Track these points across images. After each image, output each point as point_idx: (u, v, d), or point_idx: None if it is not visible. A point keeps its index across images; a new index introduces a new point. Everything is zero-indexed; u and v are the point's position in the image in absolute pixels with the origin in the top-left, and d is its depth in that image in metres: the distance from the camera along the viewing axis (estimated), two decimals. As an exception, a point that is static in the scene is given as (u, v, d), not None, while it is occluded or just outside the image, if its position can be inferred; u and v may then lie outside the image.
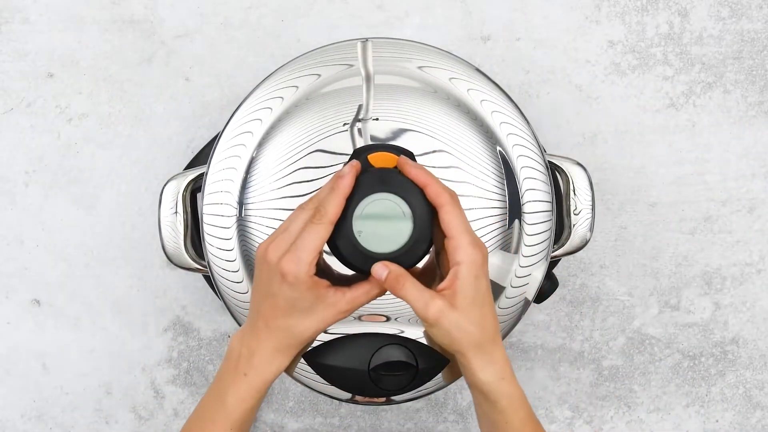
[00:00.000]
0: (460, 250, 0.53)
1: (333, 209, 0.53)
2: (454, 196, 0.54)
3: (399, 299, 0.59)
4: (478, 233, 0.64)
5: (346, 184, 0.53)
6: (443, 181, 0.55)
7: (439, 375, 0.67)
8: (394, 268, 0.54)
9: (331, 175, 0.61)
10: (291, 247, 0.53)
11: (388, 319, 0.66)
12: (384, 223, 0.54)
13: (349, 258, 0.54)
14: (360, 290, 0.55)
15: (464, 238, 0.53)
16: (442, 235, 0.55)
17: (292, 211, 0.55)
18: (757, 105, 0.86)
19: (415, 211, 0.54)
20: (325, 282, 0.54)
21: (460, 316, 0.53)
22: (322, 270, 0.58)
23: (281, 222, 0.63)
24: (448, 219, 0.53)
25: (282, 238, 0.53)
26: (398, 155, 0.57)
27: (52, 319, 0.86)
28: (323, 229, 0.52)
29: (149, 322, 0.87)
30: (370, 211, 0.54)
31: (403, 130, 0.65)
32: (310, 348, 0.65)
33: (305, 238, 0.52)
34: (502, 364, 0.56)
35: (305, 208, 0.54)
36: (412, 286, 0.53)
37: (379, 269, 0.54)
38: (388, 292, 0.55)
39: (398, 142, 0.65)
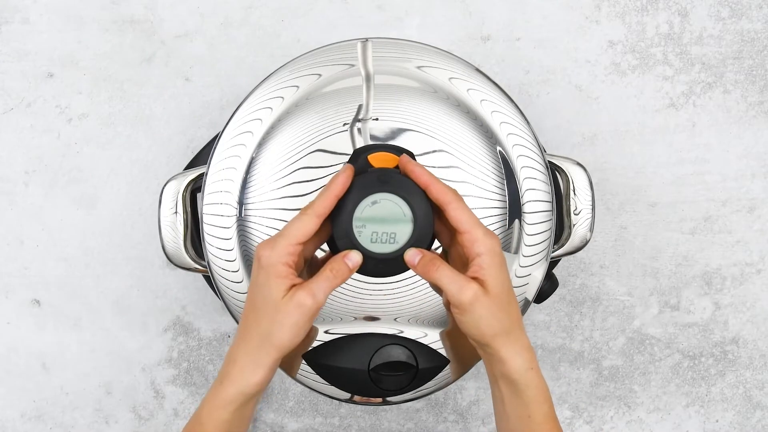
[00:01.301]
0: (477, 242, 0.52)
1: (321, 203, 0.53)
2: (457, 193, 0.54)
3: (399, 300, 0.59)
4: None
5: (339, 183, 0.53)
6: (445, 182, 0.55)
7: (439, 375, 0.67)
8: (428, 252, 0.54)
9: (331, 176, 0.62)
10: (272, 238, 0.53)
11: (387, 319, 0.66)
12: (384, 223, 0.54)
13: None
14: (321, 278, 0.53)
15: (478, 230, 0.53)
16: (449, 233, 0.55)
17: (291, 211, 0.55)
18: (757, 105, 0.86)
19: (415, 211, 0.54)
20: (297, 279, 0.53)
21: (492, 302, 0.53)
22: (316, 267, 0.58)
23: (281, 222, 0.63)
24: (457, 215, 0.53)
25: (274, 236, 0.53)
26: (398, 155, 0.57)
27: (52, 319, 0.86)
28: (307, 220, 0.52)
29: (149, 322, 0.87)
30: (371, 211, 0.54)
31: (402, 130, 0.65)
32: (309, 348, 0.65)
33: (288, 226, 0.52)
34: (530, 353, 0.55)
35: (302, 211, 0.54)
36: (446, 270, 0.53)
37: (413, 254, 0.53)
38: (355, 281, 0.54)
39: (398, 142, 0.65)
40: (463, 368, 0.68)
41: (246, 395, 0.54)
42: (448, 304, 0.56)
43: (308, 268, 0.58)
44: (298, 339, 0.53)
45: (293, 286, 0.52)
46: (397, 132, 0.65)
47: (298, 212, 0.54)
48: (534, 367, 0.56)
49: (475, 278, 0.53)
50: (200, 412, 0.55)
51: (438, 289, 0.57)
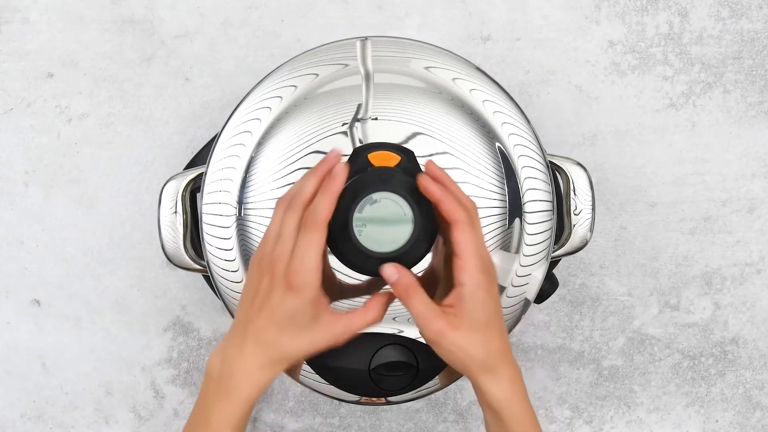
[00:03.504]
0: (465, 272, 0.52)
1: (324, 212, 0.51)
2: (471, 212, 0.53)
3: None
4: (478, 233, 0.64)
5: (338, 184, 0.52)
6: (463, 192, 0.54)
7: (439, 375, 0.67)
8: (405, 277, 0.53)
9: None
10: (294, 258, 0.51)
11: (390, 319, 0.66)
12: (384, 223, 0.54)
13: (349, 257, 0.54)
14: (357, 315, 0.53)
15: (472, 260, 0.52)
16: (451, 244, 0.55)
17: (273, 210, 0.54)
18: (757, 105, 0.86)
19: (415, 210, 0.54)
20: (326, 301, 0.53)
21: (461, 338, 0.52)
22: (327, 278, 0.57)
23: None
24: (458, 239, 0.52)
25: (280, 246, 0.52)
26: (399, 154, 0.57)
27: (52, 319, 0.86)
28: (318, 235, 0.51)
29: (149, 322, 0.87)
30: (371, 210, 0.54)
31: (402, 130, 0.65)
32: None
33: (305, 246, 0.51)
34: (510, 384, 0.54)
35: (293, 209, 0.52)
36: (419, 300, 0.52)
37: (390, 271, 0.52)
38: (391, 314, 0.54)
39: (398, 142, 0.65)
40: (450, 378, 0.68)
41: (252, 401, 0.54)
42: None
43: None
44: (308, 355, 0.54)
45: (324, 309, 0.53)
46: (397, 131, 0.65)
47: (286, 208, 0.52)
48: (516, 397, 0.55)
49: (452, 306, 0.52)
50: (210, 423, 0.54)
51: None
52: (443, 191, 0.53)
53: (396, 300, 0.54)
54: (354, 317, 0.53)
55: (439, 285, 0.58)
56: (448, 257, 0.55)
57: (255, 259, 0.54)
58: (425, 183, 0.53)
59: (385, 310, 0.54)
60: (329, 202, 0.51)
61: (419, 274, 0.59)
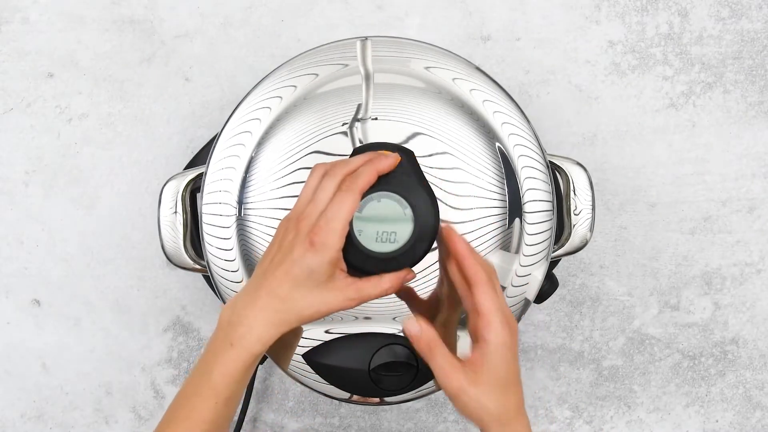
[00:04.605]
0: (490, 330, 0.52)
1: (365, 180, 0.52)
2: (491, 273, 0.54)
3: (399, 299, 0.59)
4: (479, 232, 0.64)
5: (387, 164, 0.53)
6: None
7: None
8: (428, 332, 0.53)
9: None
10: (322, 216, 0.52)
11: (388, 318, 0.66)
12: (385, 222, 0.54)
13: (348, 257, 0.54)
14: (370, 282, 0.54)
15: (496, 317, 0.52)
16: (449, 254, 0.55)
17: (310, 171, 0.54)
18: (757, 105, 0.86)
19: (415, 210, 0.54)
20: (343, 264, 0.54)
21: (481, 393, 0.53)
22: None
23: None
24: (480, 299, 0.53)
25: (312, 206, 0.53)
26: (399, 154, 0.57)
27: (52, 319, 0.86)
28: (353, 199, 0.52)
29: (149, 322, 0.87)
30: (371, 209, 0.54)
31: (402, 130, 0.65)
32: (310, 348, 0.65)
33: (337, 207, 0.52)
34: None
35: (333, 175, 0.53)
36: (441, 356, 0.53)
37: (413, 327, 0.53)
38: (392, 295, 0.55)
39: (398, 142, 0.65)
40: None
41: (255, 356, 0.54)
42: None
43: None
44: (317, 316, 0.54)
45: (340, 271, 0.53)
46: (397, 131, 0.65)
47: (326, 174, 0.53)
48: None
49: (473, 363, 0.53)
50: (210, 376, 0.54)
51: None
52: (470, 249, 0.54)
53: (410, 280, 0.55)
54: (367, 283, 0.54)
55: (438, 314, 0.58)
56: (451, 287, 0.56)
57: (285, 219, 0.54)
58: (452, 236, 0.54)
59: (400, 284, 0.55)
60: (372, 173, 0.52)
61: (425, 298, 0.60)
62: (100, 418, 0.87)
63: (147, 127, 0.85)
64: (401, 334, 0.65)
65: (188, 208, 0.69)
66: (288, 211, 0.55)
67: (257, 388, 0.86)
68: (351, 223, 0.53)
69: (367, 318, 0.66)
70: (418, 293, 0.60)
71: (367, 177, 0.52)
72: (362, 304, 0.54)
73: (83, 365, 0.87)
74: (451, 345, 0.56)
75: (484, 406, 0.53)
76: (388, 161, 0.53)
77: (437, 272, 0.60)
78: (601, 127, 0.86)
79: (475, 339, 0.54)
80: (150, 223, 0.85)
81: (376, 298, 0.54)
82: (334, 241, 0.52)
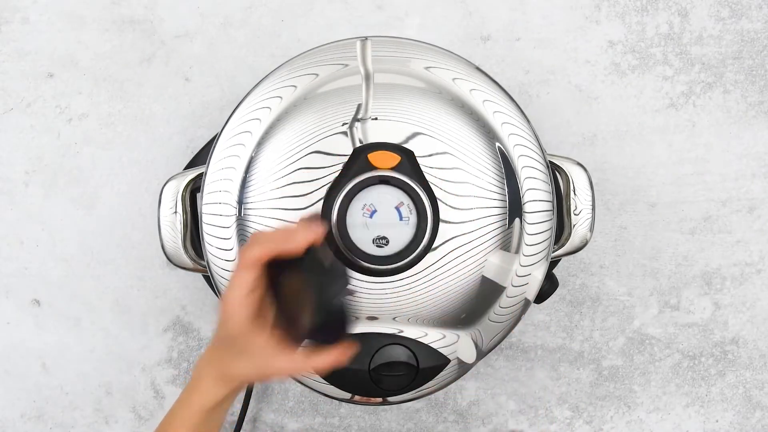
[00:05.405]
0: None
1: (256, 253, 0.52)
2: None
3: (399, 300, 0.59)
4: (479, 232, 0.64)
5: (293, 245, 0.52)
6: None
7: (439, 375, 0.67)
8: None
9: (331, 176, 0.61)
10: (226, 288, 0.53)
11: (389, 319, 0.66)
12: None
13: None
14: (305, 357, 0.54)
15: None
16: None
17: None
18: (757, 105, 0.86)
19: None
20: (266, 335, 0.54)
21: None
22: (288, 317, 0.56)
23: (281, 221, 0.63)
24: None
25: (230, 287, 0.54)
26: (399, 154, 0.57)
27: (52, 319, 0.86)
28: (246, 273, 0.52)
29: (149, 322, 0.87)
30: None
31: (402, 130, 0.65)
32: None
33: (231, 282, 0.53)
34: None
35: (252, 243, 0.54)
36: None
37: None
38: None
39: (398, 142, 0.65)
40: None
41: (206, 409, 0.57)
42: None
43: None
44: (258, 380, 0.58)
45: (263, 341, 0.54)
46: (397, 131, 0.65)
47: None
48: None
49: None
50: (171, 420, 0.58)
51: None
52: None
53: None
54: (300, 359, 0.54)
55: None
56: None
57: None
58: None
59: (337, 364, 0.55)
60: (267, 249, 0.52)
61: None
62: (100, 418, 0.87)
63: (147, 127, 0.85)
64: (401, 334, 0.65)
65: (188, 208, 0.69)
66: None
67: (257, 388, 0.86)
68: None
69: (367, 318, 0.66)
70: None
71: (260, 251, 0.52)
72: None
73: (83, 365, 0.87)
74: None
75: None
76: (296, 242, 0.52)
77: (437, 274, 0.60)
78: (601, 127, 0.86)
79: None
80: (150, 223, 0.85)
81: (320, 371, 0.55)
82: (233, 313, 0.53)
